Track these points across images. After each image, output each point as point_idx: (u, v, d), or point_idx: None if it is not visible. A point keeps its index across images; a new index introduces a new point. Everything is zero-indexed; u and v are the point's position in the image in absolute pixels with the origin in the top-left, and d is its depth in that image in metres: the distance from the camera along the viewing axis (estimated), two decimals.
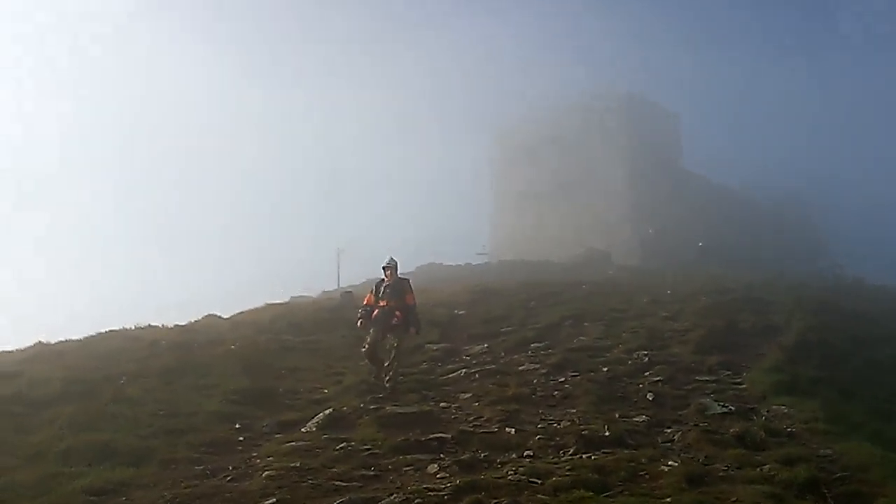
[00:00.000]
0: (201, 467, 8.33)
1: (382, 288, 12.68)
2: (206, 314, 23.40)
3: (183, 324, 20.82)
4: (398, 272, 13.03)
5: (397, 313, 12.29)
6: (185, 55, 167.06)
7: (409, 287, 12.81)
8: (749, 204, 57.90)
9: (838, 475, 7.44)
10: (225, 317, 23.24)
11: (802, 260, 49.98)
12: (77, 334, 18.10)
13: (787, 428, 9.40)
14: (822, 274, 40.78)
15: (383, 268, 12.85)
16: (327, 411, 10.43)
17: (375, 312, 12.47)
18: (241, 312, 23.80)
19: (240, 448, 9.28)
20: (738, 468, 7.73)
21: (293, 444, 9.11)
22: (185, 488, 7.46)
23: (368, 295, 13.02)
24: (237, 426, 10.21)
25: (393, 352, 12.23)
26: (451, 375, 13.61)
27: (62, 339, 17.67)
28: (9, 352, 16.30)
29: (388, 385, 11.98)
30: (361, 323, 12.68)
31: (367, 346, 12.40)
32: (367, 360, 12.58)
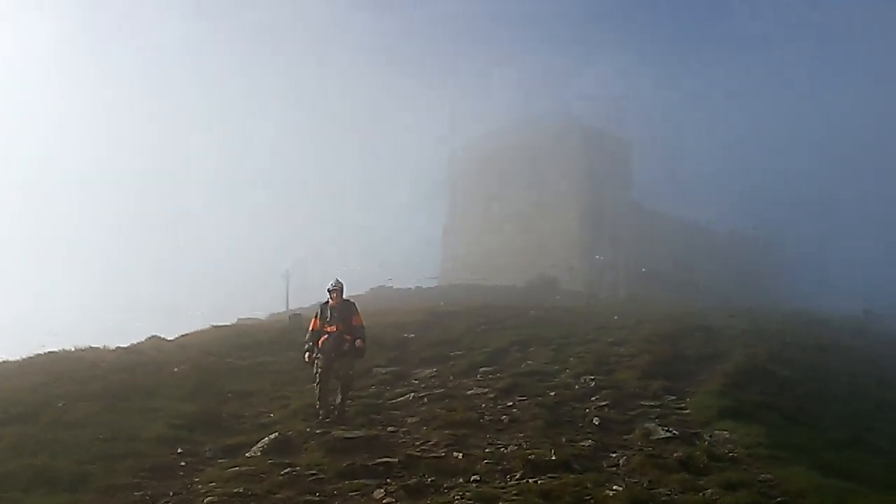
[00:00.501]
0: (141, 493, 8.14)
1: (329, 311, 12.07)
2: (150, 336, 22.95)
3: (126, 346, 20.38)
4: (344, 295, 12.35)
5: (347, 337, 11.82)
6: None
7: (355, 309, 12.25)
8: (701, 235, 59.00)
9: (778, 500, 7.57)
10: (170, 339, 22.83)
11: (753, 290, 51.00)
12: (14, 356, 17.55)
13: (730, 453, 9.53)
14: (771, 304, 41.65)
15: (329, 291, 12.19)
16: (273, 436, 10.28)
17: (324, 339, 11.85)
18: (187, 334, 23.41)
19: (182, 473, 9.10)
20: (681, 493, 7.81)
21: (237, 469, 8.96)
22: None
23: (313, 320, 12.31)
24: (179, 451, 10.00)
25: (344, 379, 11.81)
26: (399, 399, 13.55)
27: None
28: None
29: (336, 414, 11.62)
30: (309, 356, 12.09)
31: (318, 377, 11.76)
32: (317, 391, 11.81)
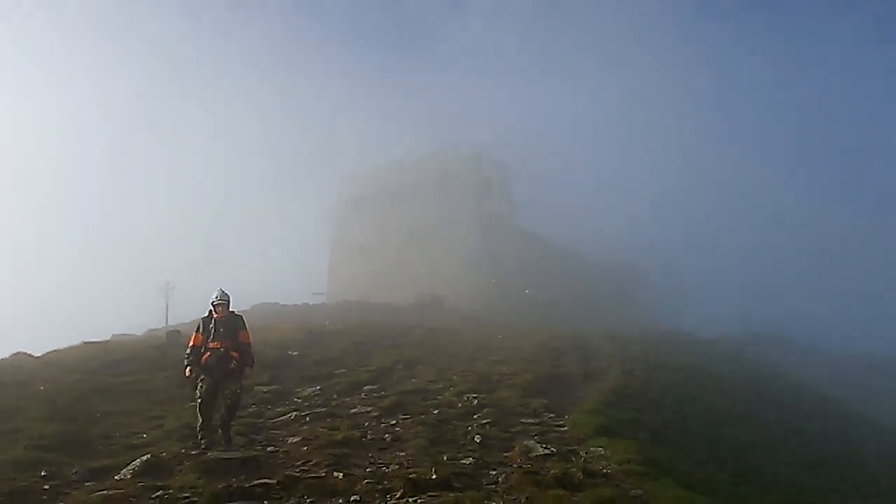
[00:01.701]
0: None
1: (212, 326, 10.91)
2: (13, 352, 21.64)
3: None
4: (230, 308, 11.24)
5: (234, 354, 10.79)
6: None
7: (242, 323, 11.18)
8: (578, 261, 60.79)
9: None
10: (37, 355, 21.59)
11: (633, 314, 52.87)
12: None
13: (604, 469, 9.77)
14: (642, 326, 43.26)
15: (213, 304, 11.08)
16: (145, 457, 9.85)
17: (207, 356, 10.72)
18: (55, 351, 22.20)
19: (45, 498, 8.59)
20: None
21: (105, 492, 8.52)
22: None
23: (194, 334, 11.06)
24: (43, 474, 9.45)
25: (232, 399, 10.77)
26: (280, 419, 13.32)
27: None
28: None
29: (222, 438, 10.73)
30: (190, 370, 10.88)
31: (199, 398, 10.71)
32: (199, 415, 10.80)
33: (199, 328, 11.07)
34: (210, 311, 11.14)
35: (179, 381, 13.78)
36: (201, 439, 10.58)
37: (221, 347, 10.73)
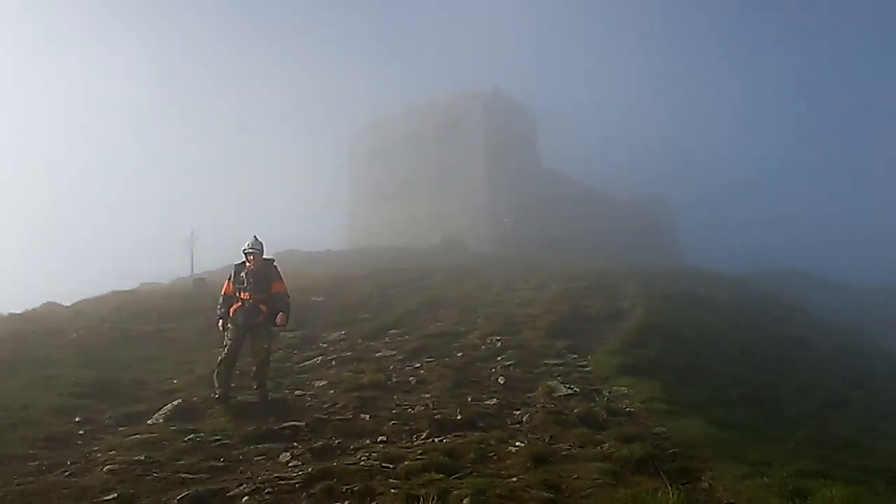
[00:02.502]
0: (36, 463, 7.84)
1: (245, 277, 10.22)
2: (45, 302, 22.03)
3: (19, 312, 19.52)
4: (264, 255, 10.48)
5: (262, 308, 10.07)
6: None
7: (276, 273, 10.39)
8: (603, 199, 60.28)
9: (671, 451, 7.86)
10: (67, 305, 21.96)
11: (654, 252, 52.60)
12: None
13: (627, 408, 9.85)
14: (667, 264, 43.03)
15: (244, 252, 10.32)
16: (176, 402, 10.06)
17: (236, 307, 10.13)
18: (85, 300, 22.56)
19: (79, 442, 8.80)
20: (580, 447, 8.02)
21: (138, 436, 8.73)
22: (18, 485, 7.00)
23: (226, 282, 10.46)
24: (77, 419, 9.67)
25: (260, 356, 10.12)
26: (307, 363, 13.49)
27: None
28: None
29: (259, 398, 10.05)
30: (222, 324, 10.28)
31: (224, 353, 10.15)
32: (217, 366, 10.20)
33: (230, 276, 10.46)
34: (243, 260, 10.47)
35: (208, 327, 13.95)
36: (217, 389, 10.06)
37: (250, 299, 10.08)
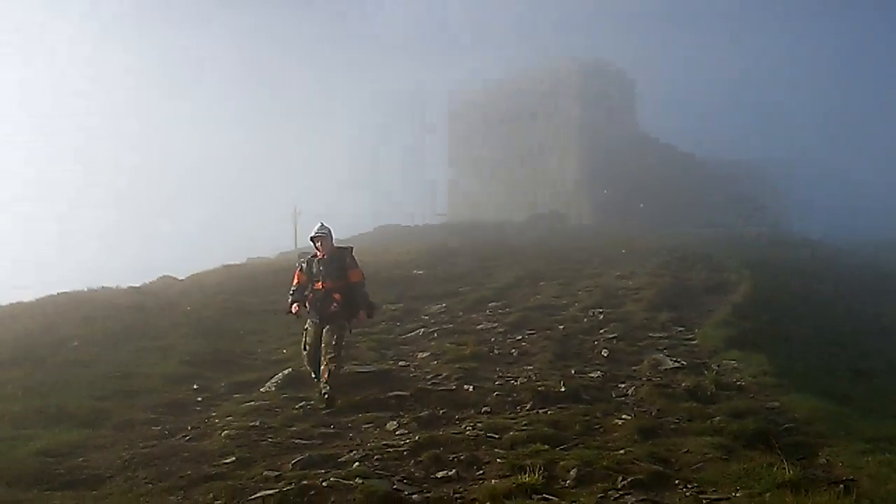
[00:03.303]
0: (158, 428, 8.26)
1: (315, 265, 9.49)
2: (161, 275, 23.05)
3: (137, 285, 20.50)
4: (333, 241, 9.64)
5: (336, 297, 9.23)
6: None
7: (351, 260, 9.49)
8: (706, 168, 58.47)
9: (785, 427, 7.62)
10: (181, 278, 22.93)
11: (754, 222, 50.71)
12: (29, 296, 17.69)
13: (737, 381, 9.59)
14: (776, 233, 41.43)
15: (312, 239, 9.56)
16: (286, 371, 10.41)
17: (310, 297, 9.45)
18: (198, 274, 23.50)
19: (198, 408, 9.22)
20: (689, 421, 7.87)
21: (252, 403, 9.10)
22: (143, 448, 7.39)
23: (296, 273, 9.79)
24: (195, 387, 10.13)
25: (331, 348, 9.12)
26: (409, 335, 13.66)
27: (13, 301, 17.28)
28: None
29: (324, 392, 8.96)
30: (297, 308, 9.62)
31: (306, 347, 9.44)
32: (305, 359, 9.56)
33: (301, 267, 9.77)
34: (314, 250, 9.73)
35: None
36: (314, 378, 9.44)
37: (323, 288, 9.32)
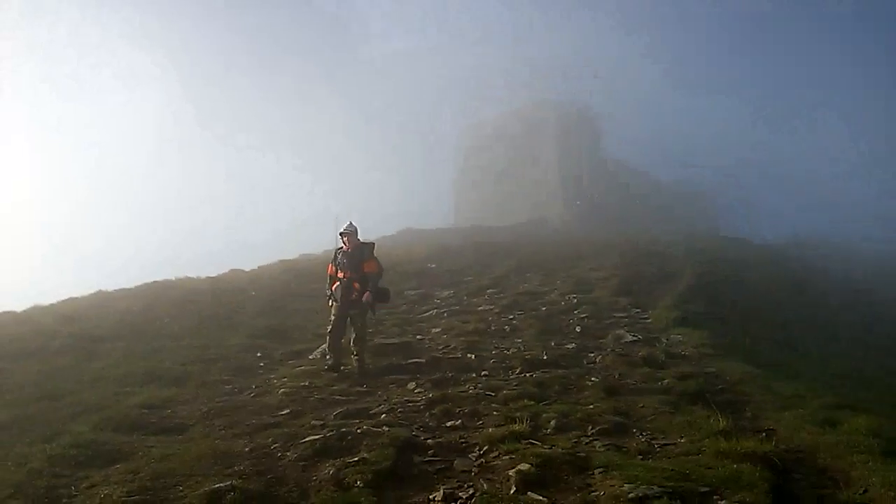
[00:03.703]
0: (230, 387, 8.32)
1: (341, 257, 9.22)
2: (230, 268, 23.12)
3: (213, 276, 20.58)
4: (358, 237, 9.34)
5: (356, 285, 8.95)
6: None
7: (369, 253, 9.19)
8: (658, 182, 58.34)
9: (719, 387, 7.63)
10: (247, 270, 22.99)
11: (706, 227, 50.48)
12: (129, 284, 17.79)
13: (682, 352, 9.59)
14: (714, 235, 41.16)
15: (340, 234, 9.29)
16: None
17: (335, 285, 9.11)
18: (260, 267, 23.55)
19: (260, 372, 9.28)
20: (644, 383, 7.89)
21: (303, 368, 9.14)
22: (218, 403, 7.46)
23: (329, 265, 9.46)
24: (258, 355, 10.19)
25: (357, 330, 8.92)
26: (425, 314, 13.66)
27: (118, 287, 17.39)
28: (75, 298, 16.01)
29: (356, 368, 8.83)
30: (331, 302, 9.18)
31: (331, 326, 9.03)
32: (328, 340, 9.06)
33: (333, 258, 9.45)
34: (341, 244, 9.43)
35: None
36: (328, 361, 8.98)
37: (345, 277, 9.00)
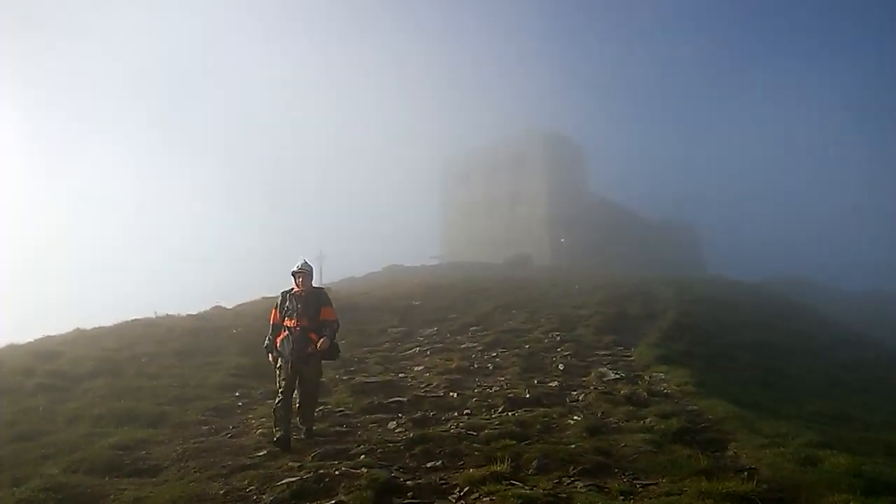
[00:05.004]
0: (207, 427, 8.17)
1: (293, 302, 7.43)
2: (213, 305, 22.88)
3: (194, 313, 20.33)
4: (313, 281, 7.75)
5: (313, 336, 7.24)
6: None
7: (326, 299, 7.56)
8: (642, 220, 58.91)
9: (702, 426, 7.59)
10: (229, 307, 22.76)
11: (682, 265, 50.95)
12: (108, 322, 17.53)
13: (664, 390, 9.55)
14: (697, 274, 41.59)
15: (293, 273, 7.56)
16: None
17: (282, 336, 7.31)
18: (242, 304, 23.33)
19: (239, 411, 9.13)
20: (626, 421, 7.84)
21: None
22: (194, 444, 7.30)
23: (273, 310, 7.62)
24: (237, 394, 10.04)
25: (307, 389, 7.28)
26: (408, 352, 13.57)
27: (96, 325, 17.12)
28: (52, 336, 15.73)
29: (304, 431, 7.29)
30: (272, 357, 7.41)
31: (280, 394, 7.07)
32: (276, 404, 7.05)
33: (277, 303, 7.62)
34: (292, 286, 7.68)
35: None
36: (276, 431, 6.93)
37: (297, 326, 7.26)
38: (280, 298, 7.57)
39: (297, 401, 7.27)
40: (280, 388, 7.15)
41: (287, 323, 7.35)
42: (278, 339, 7.35)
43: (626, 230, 53.99)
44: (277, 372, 7.28)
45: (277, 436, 6.83)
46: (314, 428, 7.45)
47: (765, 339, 18.13)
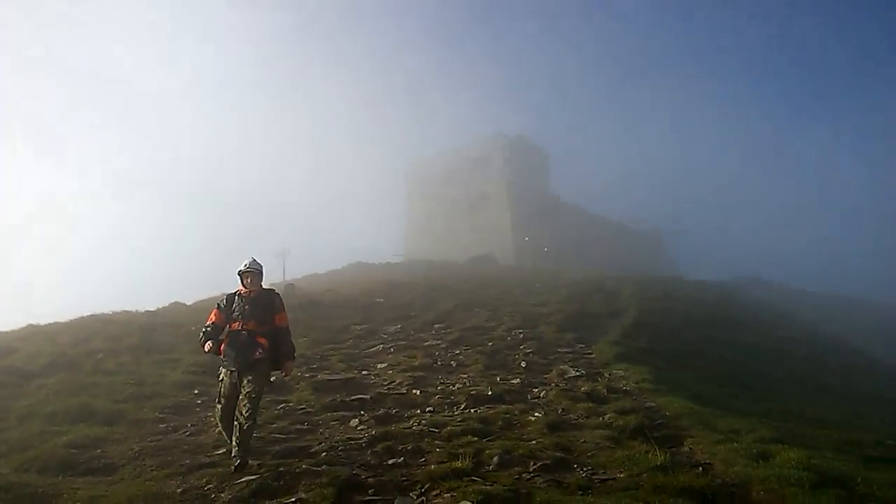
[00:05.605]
0: (164, 425, 8.02)
1: (238, 303, 6.57)
2: (172, 301, 22.45)
3: (152, 309, 19.91)
4: (262, 281, 6.83)
5: (261, 341, 6.37)
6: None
7: (279, 304, 6.68)
8: (606, 223, 59.70)
9: (659, 422, 7.72)
10: (188, 304, 22.36)
11: (647, 265, 51.79)
12: (64, 318, 17.06)
13: (623, 387, 9.70)
14: (660, 274, 42.33)
15: (240, 273, 6.71)
16: (271, 379, 10.15)
17: (226, 341, 6.46)
18: (202, 300, 22.94)
19: (198, 409, 8.98)
20: (586, 417, 7.95)
21: None
22: (151, 442, 7.17)
23: (213, 311, 6.68)
24: (196, 391, 9.87)
25: (249, 400, 6.15)
26: (371, 349, 13.52)
27: (51, 321, 16.64)
28: (4, 332, 15.24)
29: (236, 458, 5.98)
30: (209, 345, 6.47)
31: (220, 407, 6.36)
32: (218, 414, 6.44)
33: (219, 304, 6.70)
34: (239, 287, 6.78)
35: (295, 321, 14.00)
36: (236, 453, 6.05)
37: (244, 330, 6.41)
38: (224, 300, 6.69)
39: (237, 417, 6.18)
40: (220, 406, 6.37)
41: (233, 327, 6.48)
42: (221, 345, 6.46)
43: (591, 232, 54.69)
44: (220, 382, 6.42)
45: (236, 464, 5.94)
46: (246, 457, 6.09)
47: (727, 338, 18.57)
